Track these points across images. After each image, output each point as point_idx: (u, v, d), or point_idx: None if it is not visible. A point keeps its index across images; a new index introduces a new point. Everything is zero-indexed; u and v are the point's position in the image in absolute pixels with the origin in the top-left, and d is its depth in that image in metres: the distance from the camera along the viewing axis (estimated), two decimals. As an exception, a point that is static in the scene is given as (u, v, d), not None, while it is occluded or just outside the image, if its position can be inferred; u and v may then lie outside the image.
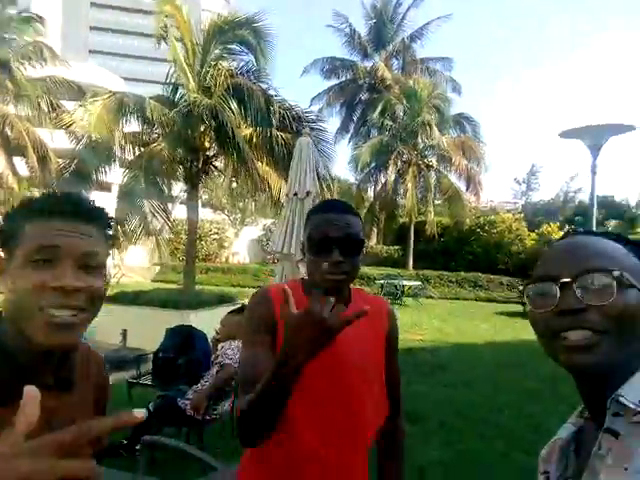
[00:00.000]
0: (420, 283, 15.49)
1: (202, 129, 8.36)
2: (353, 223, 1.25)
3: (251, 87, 8.01)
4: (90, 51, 44.14)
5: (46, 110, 15.16)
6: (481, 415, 5.09)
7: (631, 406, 0.66)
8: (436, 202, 22.03)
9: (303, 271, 4.89)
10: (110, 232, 0.90)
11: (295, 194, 4.90)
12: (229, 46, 8.62)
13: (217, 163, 9.32)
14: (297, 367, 0.97)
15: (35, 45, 17.47)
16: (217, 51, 8.63)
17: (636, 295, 0.70)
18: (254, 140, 8.38)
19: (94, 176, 7.96)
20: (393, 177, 21.46)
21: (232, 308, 4.40)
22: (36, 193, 8.41)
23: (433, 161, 21.27)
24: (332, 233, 1.21)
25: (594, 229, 7.79)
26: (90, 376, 0.95)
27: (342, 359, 1.23)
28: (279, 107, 8.36)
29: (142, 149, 8.39)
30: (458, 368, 7.20)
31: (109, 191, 15.99)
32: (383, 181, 22.07)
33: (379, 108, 21.86)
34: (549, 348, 0.75)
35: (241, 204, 23.09)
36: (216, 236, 22.86)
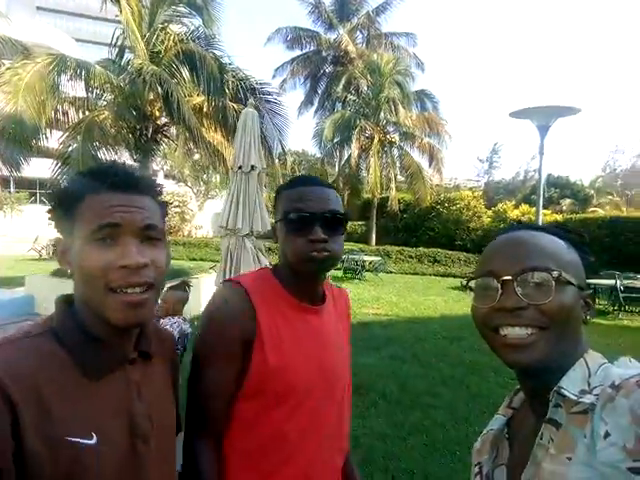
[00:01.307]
0: (380, 258, 15.64)
1: (152, 97, 7.97)
2: (334, 198, 1.13)
3: (203, 54, 7.68)
4: (38, 8, 41.09)
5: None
6: (424, 388, 5.21)
7: (572, 397, 0.69)
8: (399, 179, 22.16)
9: (250, 246, 4.80)
10: (162, 201, 0.89)
11: (240, 167, 4.76)
12: (177, 8, 8.16)
13: (169, 132, 8.98)
14: None
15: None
16: (166, 13, 8.17)
17: (572, 292, 0.73)
18: (205, 109, 8.07)
19: (32, 142, 7.48)
20: (357, 153, 21.39)
21: (171, 284, 4.26)
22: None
23: (396, 137, 21.28)
24: (313, 208, 1.08)
25: (541, 208, 8.00)
26: (163, 349, 0.98)
27: (333, 373, 1.16)
28: (233, 77, 8.07)
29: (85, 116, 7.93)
30: (408, 341, 7.33)
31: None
32: (347, 156, 21.95)
33: (342, 82, 21.57)
34: (490, 342, 0.77)
35: (205, 176, 22.58)
36: (177, 209, 22.34)
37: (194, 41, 8.08)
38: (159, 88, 7.10)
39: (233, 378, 1.06)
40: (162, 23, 8.17)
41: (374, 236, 20.84)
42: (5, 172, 8.16)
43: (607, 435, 0.63)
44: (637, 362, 0.74)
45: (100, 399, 0.79)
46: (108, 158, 8.41)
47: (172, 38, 7.69)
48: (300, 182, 1.15)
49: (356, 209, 23.21)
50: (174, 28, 8.22)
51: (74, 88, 7.89)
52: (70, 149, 7.39)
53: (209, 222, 24.51)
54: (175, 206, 21.87)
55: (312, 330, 1.14)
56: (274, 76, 25.07)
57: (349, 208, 23.71)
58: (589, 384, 0.71)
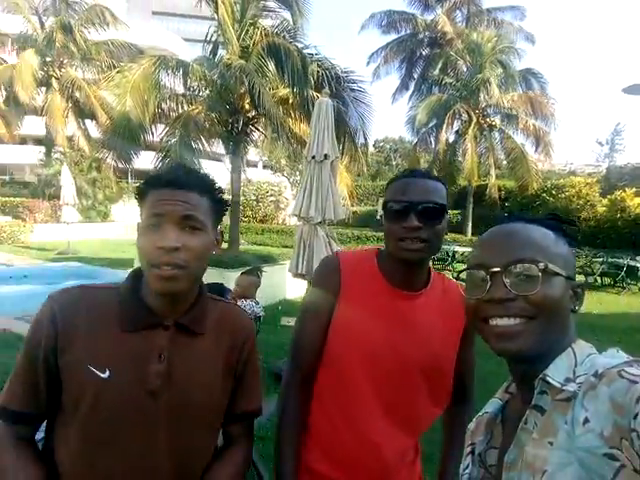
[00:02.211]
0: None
1: (242, 90, 8.34)
2: (434, 188, 1.17)
3: (287, 47, 7.84)
4: (153, 12, 44.92)
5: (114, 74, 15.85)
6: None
7: (557, 385, 0.71)
8: (501, 164, 20.81)
9: (322, 234, 4.86)
10: (216, 196, 1.06)
11: (313, 157, 4.81)
12: (267, 3, 8.40)
13: (260, 124, 9.35)
14: None
15: (97, 8, 18.15)
16: (256, 8, 8.46)
17: (560, 283, 0.76)
18: (290, 101, 8.25)
19: (140, 137, 8.27)
20: (452, 138, 20.43)
21: (246, 268, 4.49)
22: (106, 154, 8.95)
23: (496, 120, 19.92)
24: (409, 197, 1.14)
25: None
26: (224, 333, 1.11)
27: (406, 364, 1.18)
28: (318, 66, 8.14)
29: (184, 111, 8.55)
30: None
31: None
32: (442, 142, 21.09)
33: (439, 64, 20.64)
34: (480, 332, 0.80)
35: (300, 166, 23.19)
36: (272, 198, 23.23)
37: (279, 34, 8.28)
38: (246, 82, 7.40)
39: (319, 330, 1.21)
40: (252, 18, 8.48)
41: (470, 226, 19.83)
42: (119, 165, 9.14)
43: (586, 421, 0.65)
44: (624, 353, 0.74)
45: (123, 347, 0.99)
46: (203, 150, 9.02)
47: (260, 32, 7.95)
48: (405, 174, 1.22)
49: (451, 197, 22.28)
50: (262, 22, 8.48)
51: (174, 85, 8.55)
52: (170, 142, 8.02)
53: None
54: (270, 195, 22.71)
55: (396, 313, 1.19)
56: (368, 63, 24.72)
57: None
58: (574, 373, 0.73)
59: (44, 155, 20.36)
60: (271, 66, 7.97)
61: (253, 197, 22.28)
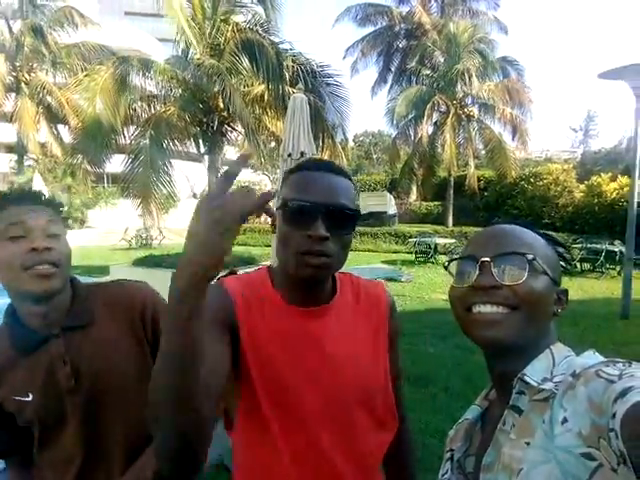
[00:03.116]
0: (455, 241, 14.98)
1: (215, 89, 8.18)
2: (346, 188, 0.95)
3: (261, 42, 7.70)
4: (126, 13, 44.02)
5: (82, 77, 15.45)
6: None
7: (534, 384, 0.72)
8: (479, 154, 20.97)
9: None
10: (61, 210, 1.19)
11: (289, 155, 4.70)
12: (239, -1, 8.24)
13: (235, 124, 9.18)
14: (196, 277, 0.65)
15: (65, 10, 17.65)
16: (226, 4, 8.28)
17: (545, 281, 0.77)
18: (266, 98, 8.12)
19: (112, 140, 8.04)
20: (431, 129, 20.49)
21: (223, 273, 4.36)
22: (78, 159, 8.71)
23: (474, 110, 20.05)
24: (317, 197, 0.90)
25: (638, 180, 7.11)
26: (113, 313, 1.17)
27: (335, 376, 0.97)
28: (293, 62, 8.02)
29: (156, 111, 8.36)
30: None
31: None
32: (420, 134, 21.15)
33: (417, 56, 20.66)
34: (462, 322, 0.80)
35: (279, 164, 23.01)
36: (253, 197, 23.03)
37: (252, 29, 8.13)
38: (217, 82, 7.25)
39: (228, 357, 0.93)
40: (223, 14, 8.30)
41: (451, 217, 19.97)
42: (93, 170, 8.89)
43: (565, 421, 0.65)
44: (600, 355, 0.75)
45: (32, 368, 1.11)
46: (179, 150, 8.82)
47: (232, 29, 7.78)
48: (308, 166, 0.98)
49: (432, 189, 22.40)
50: (234, 18, 8.31)
51: (145, 86, 8.33)
52: (141, 144, 7.83)
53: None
54: (251, 194, 22.50)
55: (304, 336, 0.98)
56: (345, 56, 24.66)
57: (424, 188, 22.97)
58: (552, 373, 0.74)
59: (16, 163, 19.82)
60: (245, 63, 7.82)
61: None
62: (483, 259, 0.78)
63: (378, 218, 19.62)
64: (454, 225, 19.08)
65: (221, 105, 8.55)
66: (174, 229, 18.79)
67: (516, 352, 0.76)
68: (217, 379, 0.83)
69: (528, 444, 0.69)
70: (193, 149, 9.65)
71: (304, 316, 0.98)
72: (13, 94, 18.73)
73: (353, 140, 59.60)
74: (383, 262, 14.03)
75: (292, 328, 0.98)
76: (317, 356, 0.97)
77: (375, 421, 1.02)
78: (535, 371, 0.74)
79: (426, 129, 20.28)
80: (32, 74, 18.62)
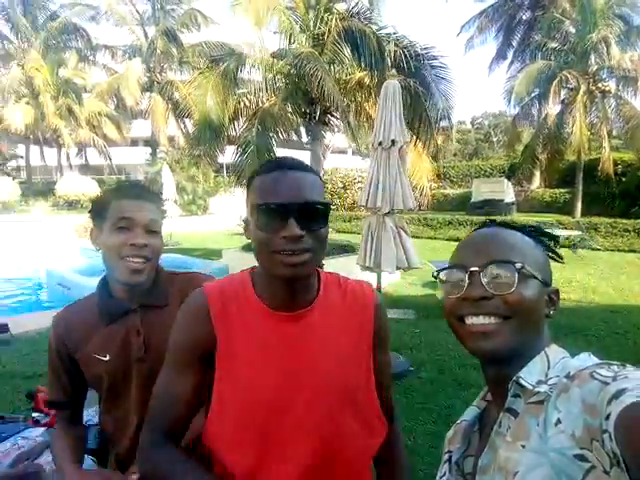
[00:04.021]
0: (580, 232, 13.40)
1: (316, 80, 8.26)
2: (312, 183, 0.96)
3: (363, 29, 7.55)
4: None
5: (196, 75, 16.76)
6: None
7: (529, 387, 0.72)
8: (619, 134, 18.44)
9: (390, 225, 4.62)
10: (164, 207, 1.37)
11: (380, 143, 4.57)
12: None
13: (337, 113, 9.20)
14: None
15: (190, 13, 19.26)
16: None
17: (536, 286, 0.77)
18: (367, 84, 7.98)
19: (223, 133, 8.55)
20: (557, 108, 18.45)
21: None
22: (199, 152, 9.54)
23: (610, 85, 17.58)
24: (284, 197, 0.90)
25: None
26: (185, 294, 1.21)
27: (316, 382, 0.97)
28: (396, 45, 7.75)
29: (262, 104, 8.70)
30: (598, 334, 6.16)
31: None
32: (545, 114, 19.17)
33: (542, 28, 18.67)
34: (456, 331, 0.81)
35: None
36: (360, 185, 23.05)
37: (354, 16, 8.00)
38: (313, 71, 7.29)
39: (189, 386, 1.00)
40: (326, 4, 8.31)
41: (579, 206, 17.88)
42: (209, 161, 9.59)
43: (558, 422, 0.65)
44: (595, 358, 0.74)
45: (112, 334, 1.30)
46: (285, 140, 9.10)
47: (334, 17, 7.76)
48: (271, 167, 0.97)
49: (557, 174, 20.24)
50: (337, 6, 8.27)
51: (252, 79, 8.71)
52: (248, 137, 8.22)
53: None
54: (358, 182, 22.55)
55: (285, 341, 0.97)
56: (460, 32, 23.24)
57: (549, 173, 20.84)
58: (547, 375, 0.74)
59: (150, 155, 22.24)
60: (347, 51, 7.76)
61: (340, 184, 22.26)
62: (472, 269, 0.77)
63: (493, 206, 18.33)
64: (583, 215, 17.05)
65: (322, 95, 8.62)
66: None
67: (511, 359, 0.77)
68: (177, 410, 1.00)
69: (524, 447, 0.69)
70: (300, 137, 9.92)
71: (285, 321, 0.98)
72: (147, 93, 20.99)
73: (471, 122, 56.31)
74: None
75: (273, 334, 0.98)
76: (292, 358, 0.97)
77: (361, 425, 1.01)
78: (530, 374, 0.74)
79: (552, 108, 18.33)
80: (163, 74, 20.68)
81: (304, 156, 10.58)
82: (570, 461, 0.62)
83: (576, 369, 0.69)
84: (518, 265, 0.75)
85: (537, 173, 21.02)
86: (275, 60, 8.20)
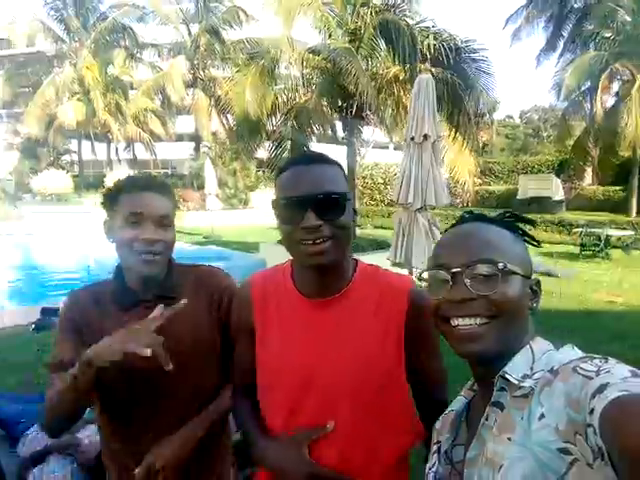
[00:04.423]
0: (634, 233, 12.68)
1: (352, 74, 8.22)
2: (328, 174, 1.01)
3: (398, 23, 7.44)
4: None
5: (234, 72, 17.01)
6: None
7: (514, 382, 0.73)
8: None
9: (422, 221, 4.56)
10: (175, 199, 1.34)
11: (412, 138, 4.50)
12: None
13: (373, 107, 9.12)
14: None
15: (233, 10, 19.59)
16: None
17: (518, 282, 0.77)
18: (401, 78, 7.86)
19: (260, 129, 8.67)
20: (611, 101, 17.47)
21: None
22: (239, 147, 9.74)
23: (672, 75, 16.45)
24: (300, 191, 0.97)
25: None
26: (199, 287, 1.36)
27: (335, 372, 1.01)
28: (435, 39, 7.60)
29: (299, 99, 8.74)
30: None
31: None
32: (597, 107, 18.20)
33: (596, 17, 17.69)
34: (443, 333, 0.82)
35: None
36: (401, 180, 22.75)
37: (390, 11, 7.89)
38: (347, 66, 7.26)
39: (250, 351, 1.13)
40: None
41: (635, 204, 16.89)
42: (248, 155, 9.77)
43: (542, 417, 0.66)
44: (579, 350, 0.75)
45: (124, 322, 1.21)
46: (321, 134, 9.10)
47: (370, 12, 7.68)
48: (292, 163, 1.05)
49: (611, 171, 19.18)
50: (373, 0, 8.18)
51: (290, 73, 8.76)
52: (283, 132, 8.29)
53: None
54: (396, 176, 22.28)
55: (312, 326, 1.05)
56: (506, 25, 22.43)
57: (602, 169, 19.78)
58: (532, 369, 0.74)
59: (193, 150, 22.81)
60: (382, 45, 7.67)
61: (380, 180, 22.04)
62: (454, 270, 0.77)
63: (541, 204, 17.64)
64: (638, 214, 16.13)
65: (357, 91, 8.58)
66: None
67: (497, 357, 0.77)
68: (243, 374, 1.17)
69: (510, 439, 0.70)
70: (335, 133, 9.91)
71: (314, 307, 1.05)
72: (191, 89, 21.51)
73: (519, 117, 54.22)
74: (540, 254, 12.63)
75: (302, 319, 1.06)
76: (317, 342, 1.03)
77: (384, 418, 1.03)
78: (516, 367, 0.75)
79: (604, 101, 17.37)
80: (206, 70, 21.15)
81: (341, 151, 10.58)
82: (554, 454, 0.63)
83: (559, 363, 0.70)
84: (501, 265, 0.75)
85: (589, 169, 20.02)
86: (311, 55, 8.20)
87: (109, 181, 21.34)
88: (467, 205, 22.02)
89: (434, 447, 0.89)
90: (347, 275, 1.07)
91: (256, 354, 1.10)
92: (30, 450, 2.36)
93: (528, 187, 18.48)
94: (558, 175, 19.61)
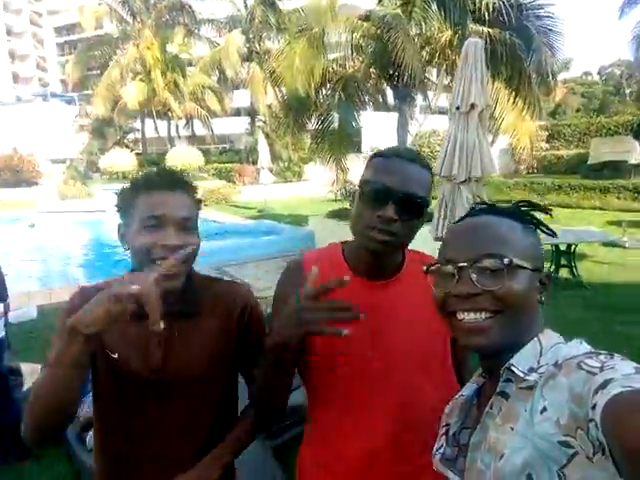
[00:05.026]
0: None
1: (402, 42, 7.88)
2: (421, 178, 1.05)
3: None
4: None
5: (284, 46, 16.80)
6: None
7: (520, 375, 0.74)
8: None
9: (466, 194, 4.37)
10: (197, 196, 1.18)
11: (457, 108, 4.28)
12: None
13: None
14: (278, 346, 0.95)
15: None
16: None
17: (526, 277, 0.77)
18: (455, 43, 7.43)
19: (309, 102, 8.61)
20: None
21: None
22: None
23: None
24: (392, 183, 1.01)
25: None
26: (218, 306, 1.21)
27: (391, 348, 1.09)
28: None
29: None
30: None
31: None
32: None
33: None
34: (449, 327, 0.82)
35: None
36: (460, 148, 21.83)
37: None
38: (397, 38, 6.96)
39: None
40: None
41: None
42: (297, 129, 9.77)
43: (544, 410, 0.67)
44: (587, 345, 0.75)
45: (129, 334, 1.11)
46: (374, 101, 8.85)
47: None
48: (394, 153, 1.08)
49: None
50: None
51: (340, 41, 8.56)
52: (330, 103, 8.18)
53: (495, 159, 22.84)
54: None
55: (368, 306, 1.04)
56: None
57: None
58: (539, 362, 0.75)
59: (249, 124, 23.09)
60: (434, 8, 7.26)
61: (438, 148, 21.29)
62: (460, 264, 0.77)
63: (615, 169, 16.31)
64: None
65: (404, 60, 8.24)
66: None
67: (503, 350, 0.77)
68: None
69: (512, 429, 0.72)
70: (386, 101, 9.64)
71: (370, 288, 1.11)
72: (247, 63, 21.62)
73: (598, 73, 49.49)
74: (609, 223, 11.75)
75: (357, 298, 1.06)
76: (379, 324, 1.08)
77: (433, 387, 1.12)
78: (522, 360, 0.75)
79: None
80: (261, 43, 21.11)
81: (392, 119, 10.29)
82: (555, 447, 0.64)
83: (564, 357, 0.71)
84: (506, 260, 0.75)
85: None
86: (361, 22, 7.94)
87: (169, 158, 22.27)
88: (534, 171, 20.82)
89: (442, 430, 0.92)
90: (399, 260, 1.14)
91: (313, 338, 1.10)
92: (89, 413, 2.57)
93: (601, 151, 17.13)
94: (637, 137, 17.96)
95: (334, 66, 8.81)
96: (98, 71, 25.86)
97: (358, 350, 1.08)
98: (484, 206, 0.87)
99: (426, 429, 1.05)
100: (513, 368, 0.75)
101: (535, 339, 0.78)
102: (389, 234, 1.01)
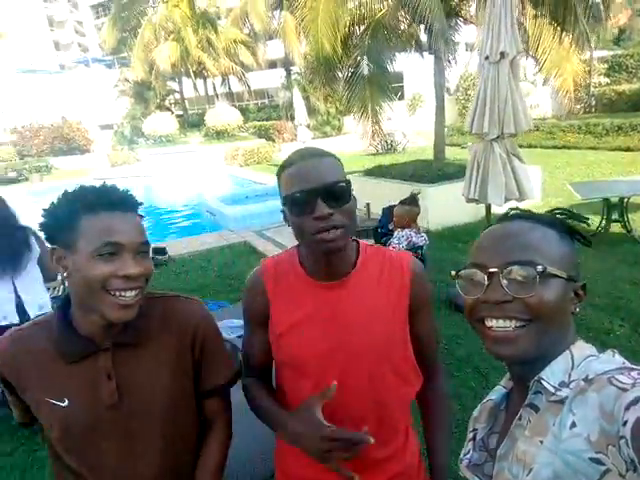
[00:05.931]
0: None
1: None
2: (329, 165, 1.07)
3: None
4: None
5: None
6: None
7: (550, 389, 0.72)
8: None
9: (499, 151, 4.11)
10: (141, 213, 1.09)
11: (486, 57, 3.94)
12: None
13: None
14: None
15: None
16: None
17: (559, 286, 0.74)
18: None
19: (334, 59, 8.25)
20: None
21: (403, 198, 4.20)
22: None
23: None
24: (308, 184, 1.03)
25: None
26: (167, 327, 1.12)
27: (355, 342, 1.12)
28: None
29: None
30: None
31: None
32: None
33: None
34: (478, 332, 0.81)
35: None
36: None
37: None
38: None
39: (261, 342, 1.22)
40: None
41: None
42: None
43: (573, 426, 0.66)
44: (620, 357, 0.73)
45: (73, 377, 1.04)
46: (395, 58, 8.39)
47: None
48: (292, 161, 1.10)
49: None
50: None
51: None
52: (360, 52, 7.77)
53: (548, 100, 21.11)
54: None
55: (326, 306, 1.14)
56: None
57: None
58: (570, 376, 0.72)
59: (284, 77, 22.48)
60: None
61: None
62: (491, 270, 0.75)
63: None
64: None
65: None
66: (422, 131, 18.54)
67: (533, 361, 0.75)
68: (256, 360, 1.25)
69: (541, 442, 0.70)
70: (420, 45, 9.04)
71: (327, 288, 1.14)
72: (277, 12, 20.75)
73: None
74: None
75: (316, 301, 1.14)
76: (338, 323, 1.12)
77: (397, 376, 1.16)
78: (553, 374, 0.73)
79: None
80: (290, -13, 20.10)
81: (427, 59, 9.64)
82: (586, 463, 0.63)
83: (595, 373, 0.68)
84: (539, 268, 0.72)
85: None
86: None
87: (208, 119, 22.23)
88: (591, 110, 19.09)
89: (470, 434, 0.91)
90: (352, 257, 1.16)
91: (273, 338, 1.17)
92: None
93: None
94: None
95: (362, 10, 8.28)
96: (130, 33, 25.69)
97: (324, 349, 1.12)
98: (519, 212, 0.84)
99: (391, 411, 1.17)
100: (544, 382, 0.73)
101: (567, 352, 0.75)
102: (335, 228, 1.02)
